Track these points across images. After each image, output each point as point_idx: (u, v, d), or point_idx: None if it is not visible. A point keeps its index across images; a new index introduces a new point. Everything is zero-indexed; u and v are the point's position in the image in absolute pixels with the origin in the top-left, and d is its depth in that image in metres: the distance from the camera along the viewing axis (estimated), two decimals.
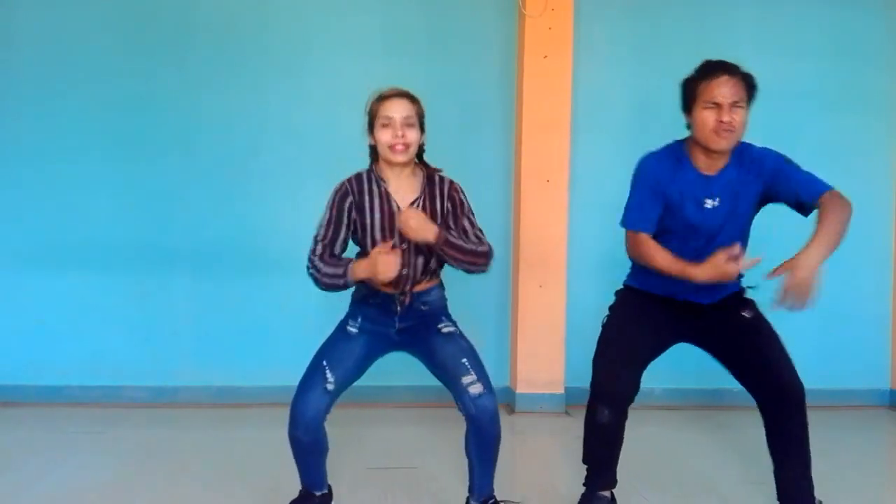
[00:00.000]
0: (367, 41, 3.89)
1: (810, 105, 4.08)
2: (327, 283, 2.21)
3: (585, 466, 2.36)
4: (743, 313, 2.32)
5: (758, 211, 2.34)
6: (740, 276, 2.31)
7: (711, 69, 2.18)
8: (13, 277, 3.81)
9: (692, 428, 3.58)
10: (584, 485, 2.36)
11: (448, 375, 2.19)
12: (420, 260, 2.25)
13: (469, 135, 3.90)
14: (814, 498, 2.30)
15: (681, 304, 2.32)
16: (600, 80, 3.95)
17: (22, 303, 3.82)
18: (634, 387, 2.22)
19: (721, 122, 2.14)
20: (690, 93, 2.22)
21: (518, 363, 3.82)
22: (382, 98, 2.22)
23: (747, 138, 2.29)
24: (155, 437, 3.28)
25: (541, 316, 3.80)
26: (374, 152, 2.28)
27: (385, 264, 2.10)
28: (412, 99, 2.24)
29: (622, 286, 2.49)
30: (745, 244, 2.29)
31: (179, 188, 3.84)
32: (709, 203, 2.25)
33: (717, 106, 2.15)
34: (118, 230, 3.82)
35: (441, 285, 2.37)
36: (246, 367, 3.87)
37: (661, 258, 2.24)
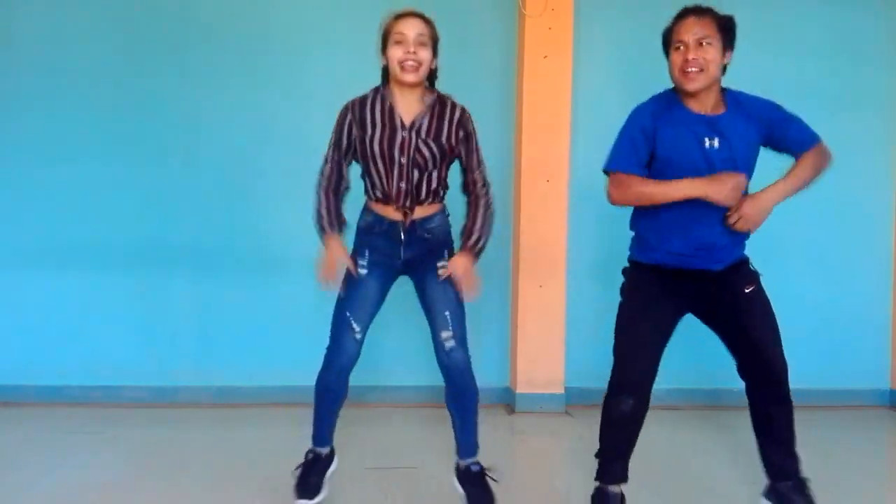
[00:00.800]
0: (368, 41, 3.87)
1: (810, 105, 4.01)
2: (315, 210, 2.36)
3: (598, 460, 2.33)
4: (745, 288, 2.26)
5: (755, 161, 2.27)
6: (746, 238, 2.29)
7: (681, 13, 2.22)
8: (13, 277, 3.81)
9: (692, 428, 3.58)
10: (596, 479, 2.33)
11: (430, 321, 2.35)
12: (415, 173, 2.29)
13: None
14: (800, 475, 2.30)
15: (689, 274, 2.26)
16: (600, 80, 3.95)
17: (22, 303, 3.82)
18: (653, 372, 2.24)
19: (686, 59, 2.15)
20: (665, 40, 2.26)
21: (518, 363, 3.82)
22: (397, 16, 2.26)
23: None
24: (155, 437, 3.28)
25: (541, 316, 3.80)
26: (385, 74, 2.34)
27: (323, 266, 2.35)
28: (426, 20, 2.28)
29: (627, 262, 2.41)
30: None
31: (179, 188, 3.84)
32: (707, 142, 2.19)
33: (684, 45, 2.17)
34: (118, 230, 3.82)
35: (444, 210, 2.42)
36: (246, 367, 3.87)
37: (661, 189, 2.18)
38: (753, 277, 2.30)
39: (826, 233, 4.07)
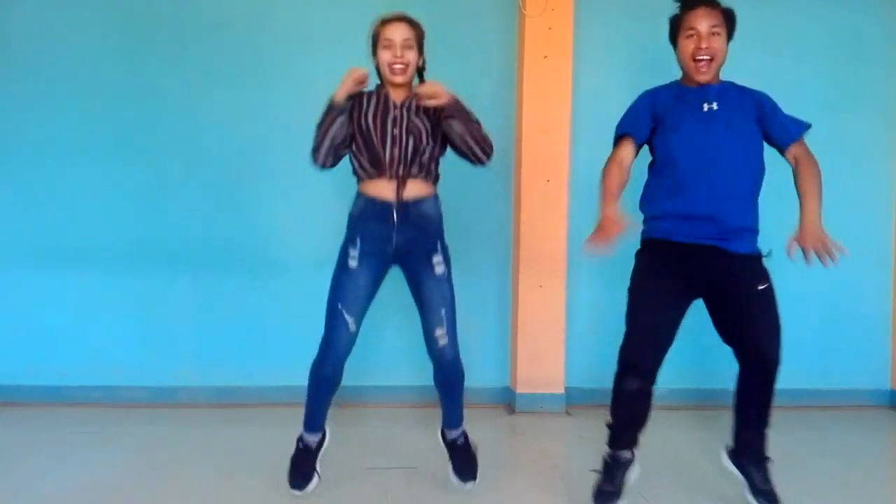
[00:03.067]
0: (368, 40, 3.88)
1: (810, 105, 4.05)
2: (321, 138, 2.39)
3: (608, 430, 2.47)
4: (758, 286, 2.36)
5: (761, 143, 2.41)
6: (756, 234, 2.43)
7: (691, 2, 2.39)
8: (13, 277, 3.81)
9: (692, 428, 3.58)
10: (607, 444, 2.48)
11: (424, 317, 2.49)
12: (410, 141, 2.42)
13: None
14: (766, 455, 2.49)
15: (701, 251, 2.34)
16: (600, 81, 3.95)
17: (22, 303, 3.82)
18: (660, 360, 2.37)
19: (699, 48, 2.33)
20: (674, 26, 2.43)
21: (518, 363, 3.82)
22: (384, 22, 2.44)
23: None
24: (155, 437, 3.28)
25: (541, 316, 3.80)
26: (379, 73, 2.50)
27: (351, 70, 2.35)
28: (411, 23, 2.46)
29: (641, 240, 2.51)
30: (756, 176, 2.41)
31: (179, 188, 3.84)
32: (706, 106, 2.36)
33: (696, 33, 2.34)
34: (118, 230, 3.82)
35: (436, 197, 2.52)
36: (246, 367, 3.87)
37: (607, 179, 2.42)
38: (766, 276, 2.40)
39: (826, 232, 4.06)
